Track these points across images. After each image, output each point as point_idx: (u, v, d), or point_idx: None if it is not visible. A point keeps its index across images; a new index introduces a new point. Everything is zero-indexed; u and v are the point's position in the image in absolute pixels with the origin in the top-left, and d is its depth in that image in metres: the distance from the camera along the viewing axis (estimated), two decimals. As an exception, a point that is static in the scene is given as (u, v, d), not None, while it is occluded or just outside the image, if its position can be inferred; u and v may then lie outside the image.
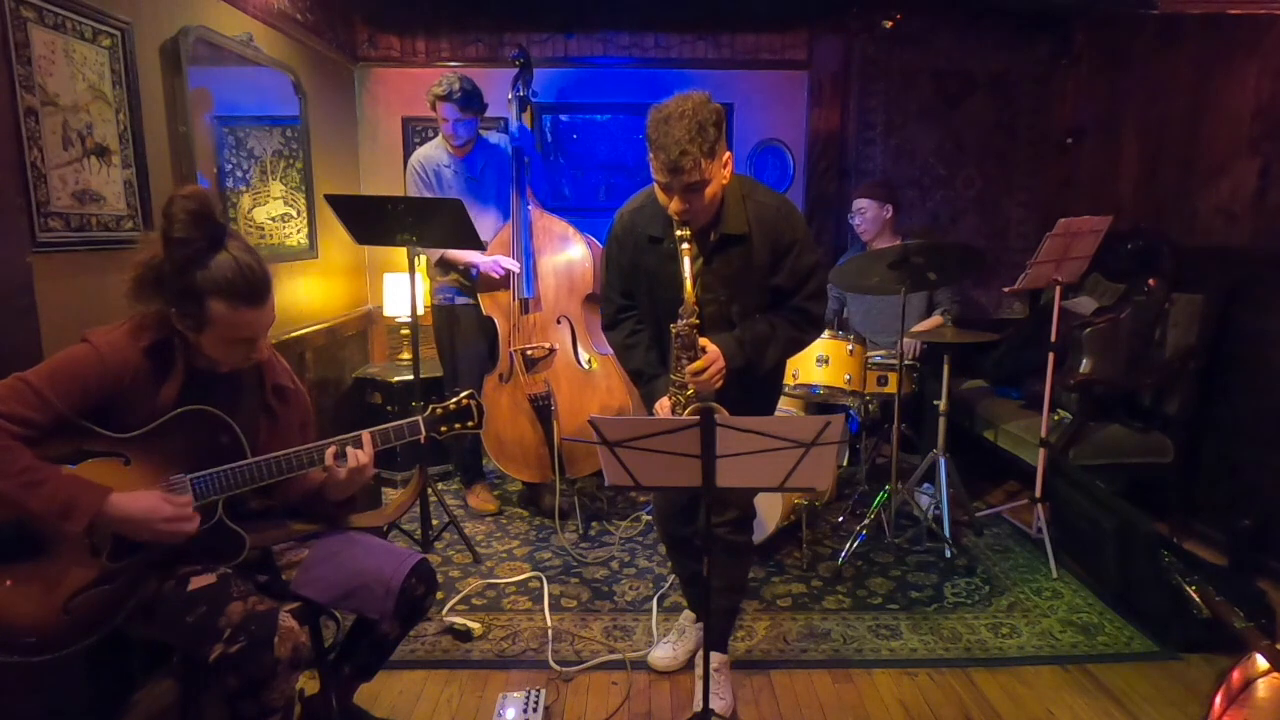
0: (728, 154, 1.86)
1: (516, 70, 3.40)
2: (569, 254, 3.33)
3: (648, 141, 1.81)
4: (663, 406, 2.00)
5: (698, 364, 1.88)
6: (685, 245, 1.84)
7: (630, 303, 2.15)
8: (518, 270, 3.25)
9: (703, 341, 1.90)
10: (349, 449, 1.67)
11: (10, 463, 1.38)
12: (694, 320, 1.87)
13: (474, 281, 3.32)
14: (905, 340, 3.10)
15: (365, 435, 1.70)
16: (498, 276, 3.25)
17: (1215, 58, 3.38)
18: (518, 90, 3.37)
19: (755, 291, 2.00)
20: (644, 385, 2.12)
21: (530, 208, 3.32)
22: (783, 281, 1.99)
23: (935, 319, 3.54)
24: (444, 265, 3.38)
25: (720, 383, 1.92)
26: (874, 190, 3.66)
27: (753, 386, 2.02)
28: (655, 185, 1.88)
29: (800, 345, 2.10)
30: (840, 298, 3.89)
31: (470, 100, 3.22)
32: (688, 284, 1.84)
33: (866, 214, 3.63)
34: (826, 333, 3.17)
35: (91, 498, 1.42)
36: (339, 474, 1.67)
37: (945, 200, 4.47)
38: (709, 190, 1.83)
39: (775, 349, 2.01)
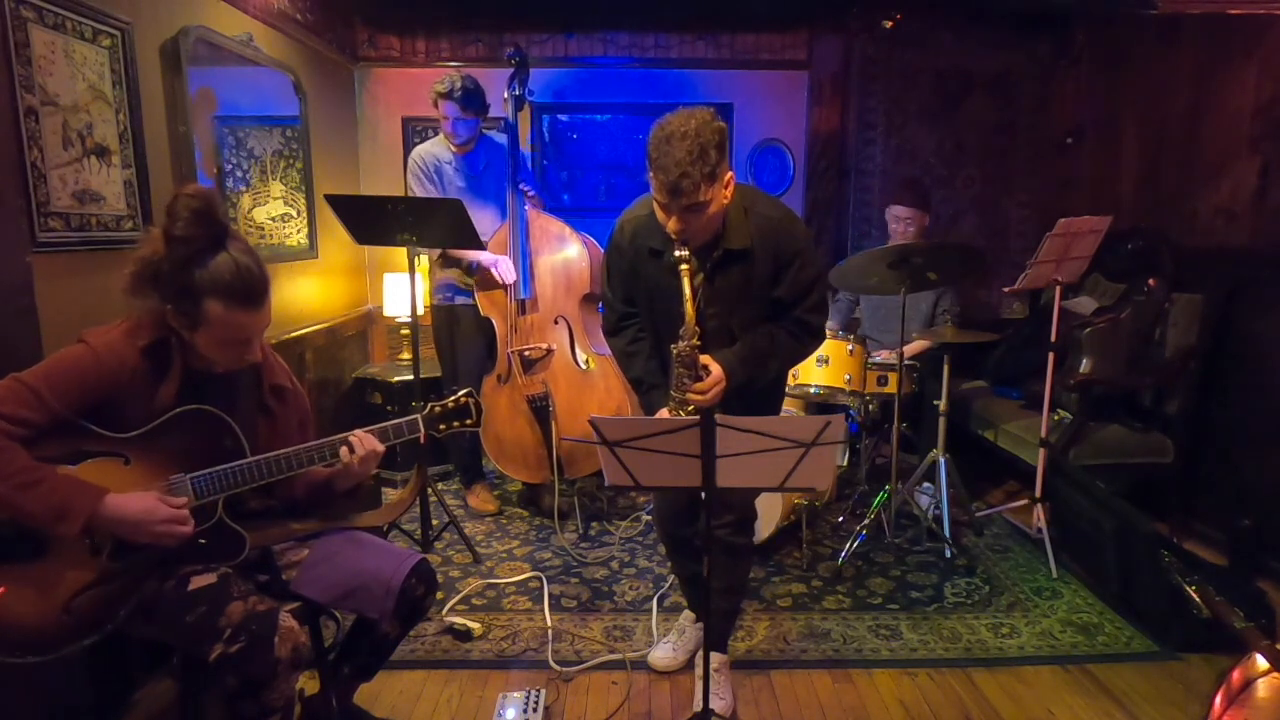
0: (729, 174, 1.83)
1: (512, 70, 3.40)
2: (566, 254, 3.33)
3: (648, 160, 1.78)
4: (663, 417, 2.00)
5: (702, 385, 1.87)
6: (685, 266, 1.81)
7: (632, 310, 2.14)
8: (514, 280, 3.24)
9: (705, 360, 1.88)
10: (353, 440, 1.68)
11: (6, 463, 1.37)
12: (695, 341, 1.85)
13: (474, 275, 3.31)
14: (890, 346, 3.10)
15: (362, 434, 1.70)
16: (495, 276, 3.24)
17: (1215, 58, 3.38)
18: (514, 89, 3.35)
19: (757, 304, 1.99)
20: (644, 394, 2.12)
21: (527, 208, 3.31)
22: (784, 293, 1.97)
23: (919, 344, 3.52)
24: (447, 259, 3.37)
25: (720, 399, 1.91)
26: (916, 199, 3.58)
27: (754, 399, 2.01)
28: (655, 204, 1.86)
29: (801, 356, 2.10)
30: (853, 300, 3.87)
31: (471, 99, 3.21)
32: (688, 305, 1.82)
33: (912, 224, 3.55)
34: (826, 332, 3.17)
35: (86, 500, 1.42)
36: (353, 461, 1.67)
37: (945, 200, 4.47)
38: (709, 211, 1.80)
39: (776, 362, 2.01)
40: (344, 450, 1.67)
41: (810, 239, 2.03)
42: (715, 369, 1.89)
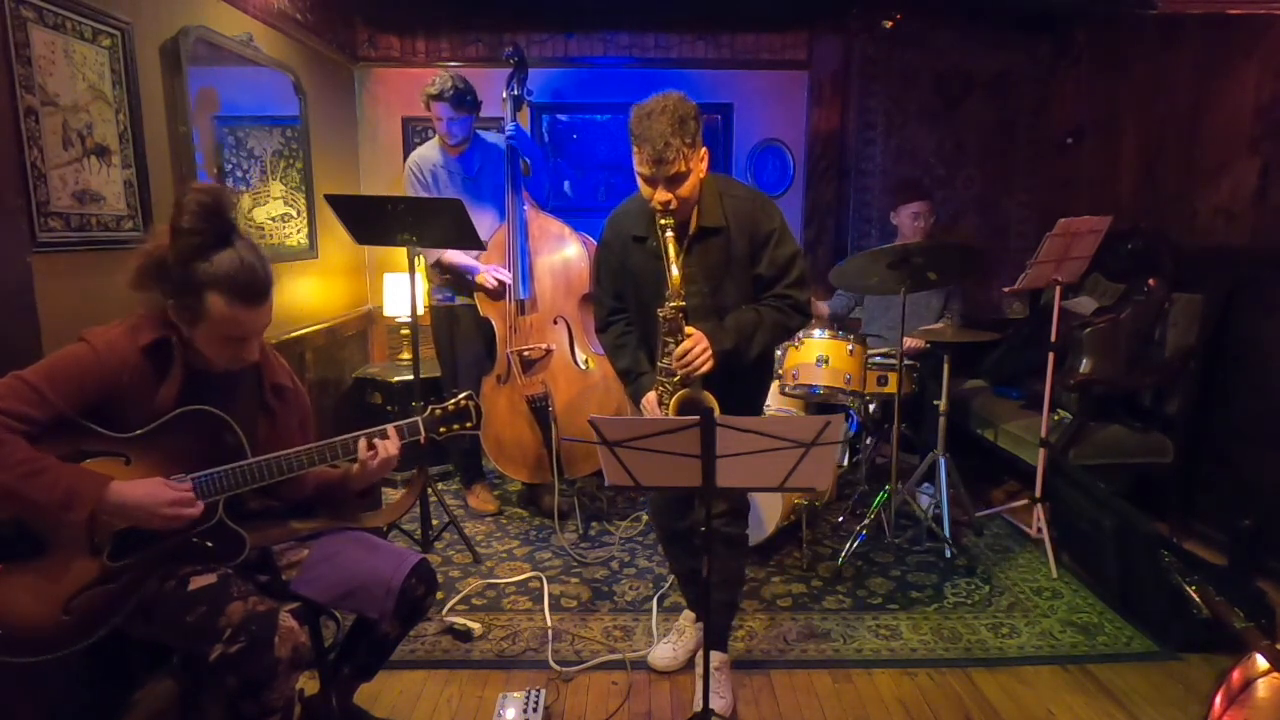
0: (704, 149, 1.95)
1: (510, 69, 3.39)
2: (565, 254, 3.33)
3: (631, 137, 1.89)
4: (649, 401, 2.06)
5: (684, 344, 1.93)
6: (670, 234, 1.92)
7: (621, 305, 2.22)
8: (509, 282, 3.25)
9: (688, 329, 1.95)
10: (378, 440, 1.69)
11: (9, 455, 1.37)
12: (680, 303, 1.92)
13: (471, 280, 3.32)
14: (907, 339, 3.11)
15: (362, 439, 1.69)
16: (491, 287, 3.25)
17: (1215, 58, 3.38)
18: (512, 89, 3.34)
19: (737, 283, 2.07)
20: (631, 383, 2.18)
21: (526, 208, 3.31)
22: (764, 271, 2.06)
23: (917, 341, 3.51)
24: (440, 267, 3.38)
25: (708, 366, 1.94)
26: (923, 193, 3.66)
27: (739, 375, 2.06)
28: (639, 181, 1.96)
29: (788, 332, 2.16)
30: (854, 297, 3.88)
31: (462, 99, 3.21)
32: (673, 269, 1.91)
33: (931, 219, 3.62)
34: (826, 332, 3.17)
35: (92, 486, 1.42)
36: (370, 464, 1.69)
37: (945, 200, 4.47)
38: (689, 182, 1.91)
39: (762, 335, 2.06)
40: (363, 444, 1.67)
41: (784, 219, 2.11)
42: (698, 333, 1.95)
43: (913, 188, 3.75)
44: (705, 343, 1.94)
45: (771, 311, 2.06)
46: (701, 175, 1.96)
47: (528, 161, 3.34)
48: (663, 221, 1.92)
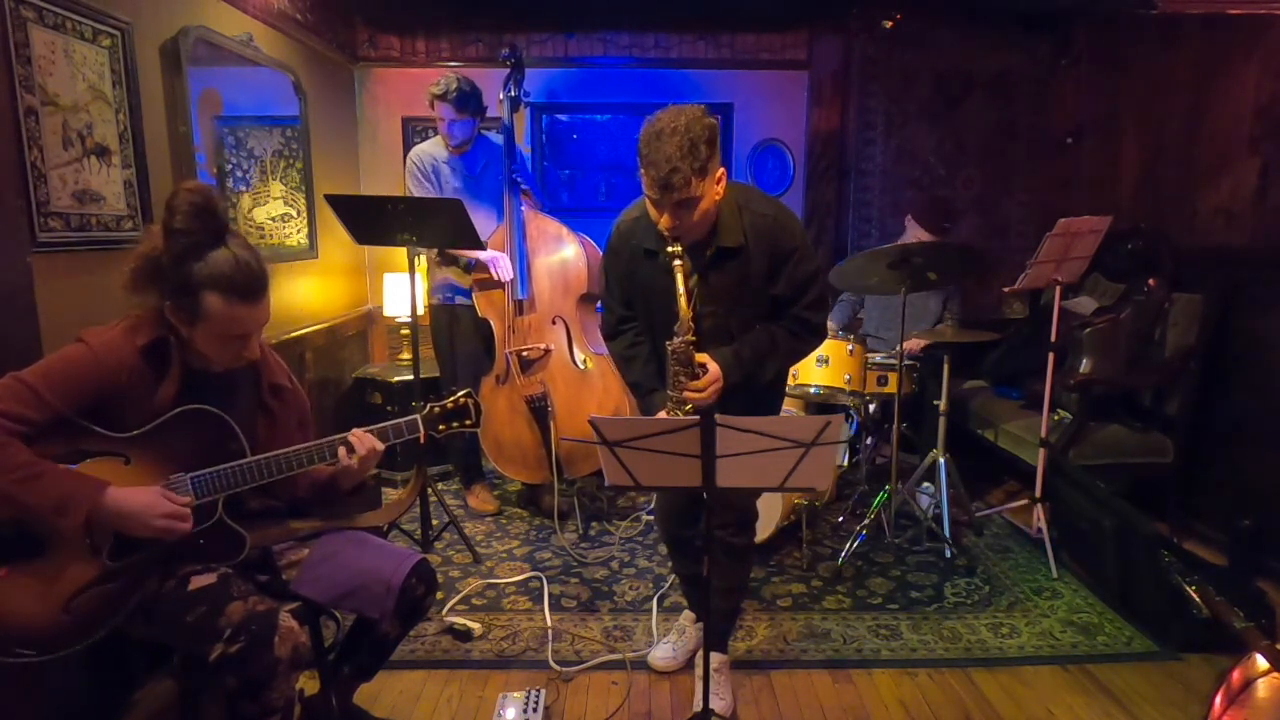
0: (721, 170, 1.83)
1: (507, 71, 3.38)
2: (563, 254, 3.32)
3: (639, 157, 1.78)
4: None
5: (698, 383, 1.86)
6: (678, 262, 1.81)
7: (631, 313, 2.14)
8: (510, 279, 3.24)
9: (701, 358, 1.87)
10: (357, 437, 1.68)
11: (7, 458, 1.38)
12: (690, 338, 1.84)
13: (471, 271, 3.31)
14: (906, 341, 3.10)
15: (360, 433, 1.70)
16: (492, 273, 3.24)
17: (1215, 58, 3.38)
18: (509, 91, 3.32)
19: (754, 303, 1.98)
20: (642, 398, 2.11)
21: (524, 208, 3.31)
22: (782, 290, 1.96)
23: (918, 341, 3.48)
24: (444, 256, 3.37)
25: (717, 399, 1.89)
26: (929, 222, 3.54)
27: (754, 399, 1.99)
28: (648, 202, 1.86)
29: (800, 355, 2.08)
30: (857, 301, 3.87)
31: (466, 101, 3.21)
32: (682, 301, 1.82)
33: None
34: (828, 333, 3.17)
35: (88, 492, 1.42)
36: (353, 461, 1.67)
37: (946, 200, 4.46)
38: (701, 207, 1.80)
39: (774, 360, 1.99)
40: (342, 451, 1.67)
41: (806, 236, 2.02)
42: (713, 367, 1.88)
43: (927, 209, 3.61)
44: (719, 380, 1.87)
45: (786, 336, 1.98)
46: (717, 197, 1.84)
47: (519, 176, 3.33)
48: (671, 249, 1.80)
